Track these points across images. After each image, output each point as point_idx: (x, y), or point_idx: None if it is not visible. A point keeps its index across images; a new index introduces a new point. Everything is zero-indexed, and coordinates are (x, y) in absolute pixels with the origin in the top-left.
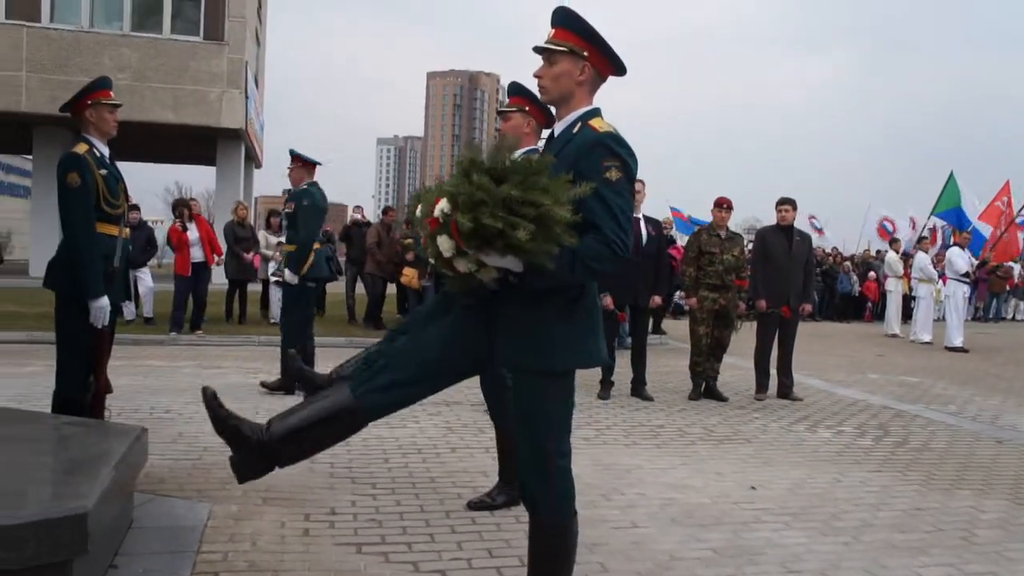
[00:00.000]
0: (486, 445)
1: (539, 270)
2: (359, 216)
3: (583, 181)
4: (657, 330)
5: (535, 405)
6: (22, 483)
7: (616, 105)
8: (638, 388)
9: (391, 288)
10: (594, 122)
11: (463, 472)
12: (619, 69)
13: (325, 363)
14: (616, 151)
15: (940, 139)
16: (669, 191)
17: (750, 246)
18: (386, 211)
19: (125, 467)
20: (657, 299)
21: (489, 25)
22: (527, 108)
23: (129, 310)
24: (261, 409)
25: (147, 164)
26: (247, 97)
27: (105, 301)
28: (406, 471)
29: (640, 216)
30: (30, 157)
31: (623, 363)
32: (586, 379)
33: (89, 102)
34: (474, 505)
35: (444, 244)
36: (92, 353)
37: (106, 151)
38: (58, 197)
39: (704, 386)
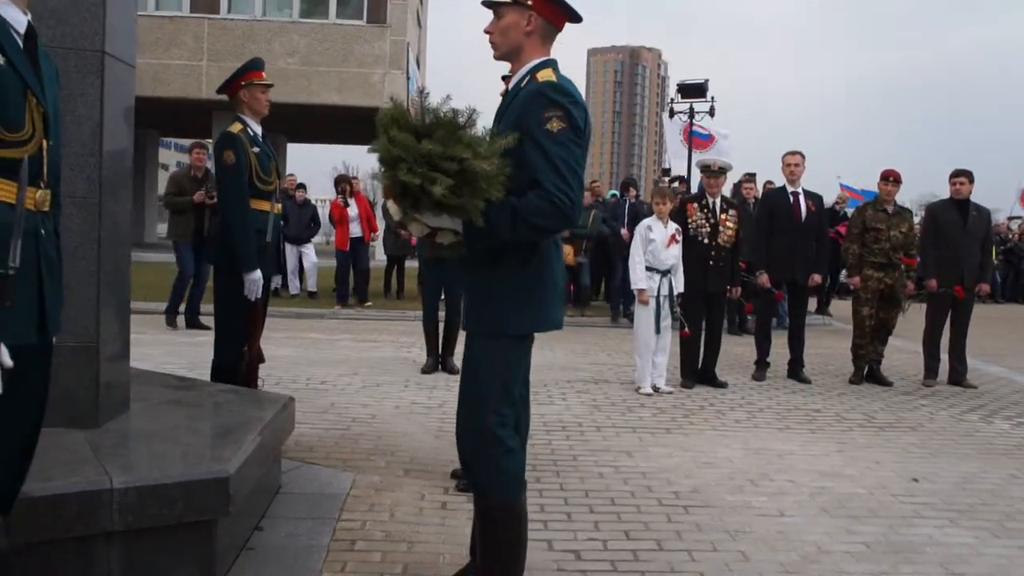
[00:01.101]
0: (633, 424)
1: (479, 229)
2: None
3: (526, 136)
4: (822, 310)
5: (479, 365)
6: (176, 446)
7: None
8: (795, 370)
9: None
10: (540, 73)
11: (606, 451)
12: (571, 16)
13: None
14: (556, 100)
15: None
16: (846, 167)
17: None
18: None
19: (271, 434)
20: (817, 278)
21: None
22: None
23: (294, 285)
24: (411, 382)
25: (316, 145)
26: (408, 78)
27: (258, 274)
28: (548, 448)
29: (799, 190)
30: (210, 140)
31: (780, 343)
32: (740, 359)
33: (243, 83)
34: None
35: (391, 208)
36: (246, 324)
37: (259, 130)
38: (215, 174)
39: (867, 370)
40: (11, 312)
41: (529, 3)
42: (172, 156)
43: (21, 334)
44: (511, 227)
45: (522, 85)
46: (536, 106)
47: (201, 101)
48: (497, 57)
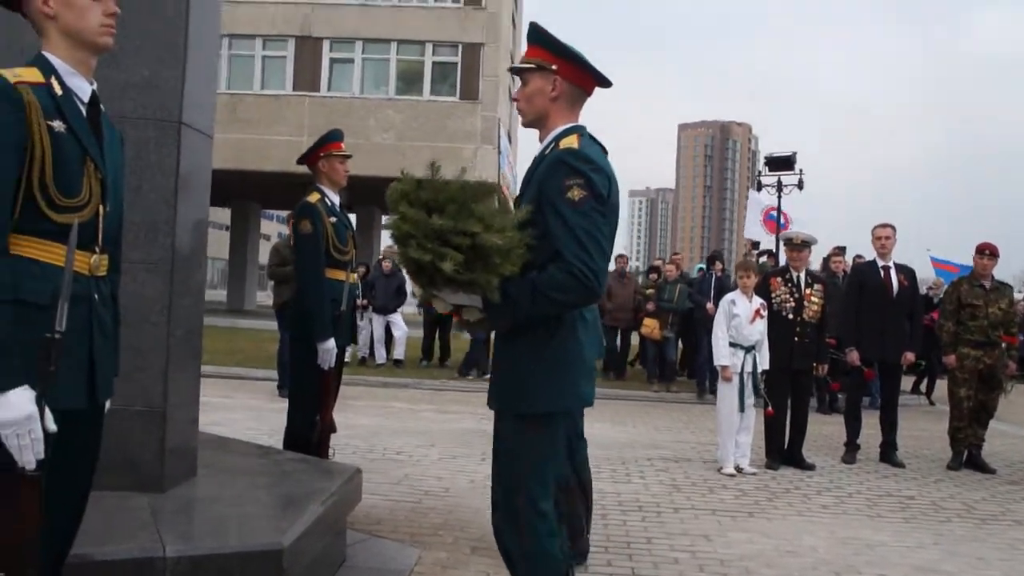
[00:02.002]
0: (713, 506)
1: (498, 305)
2: None
3: (548, 206)
4: (916, 391)
5: (509, 448)
6: (235, 515)
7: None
8: (888, 453)
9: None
10: (564, 140)
11: (683, 535)
12: (600, 80)
13: None
14: (577, 168)
15: None
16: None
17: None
18: (617, 258)
19: (334, 506)
20: (910, 356)
21: (741, 75)
22: (554, 66)
23: (380, 354)
24: (488, 456)
25: None
26: (499, 152)
27: (331, 343)
28: (623, 529)
29: (890, 264)
30: None
31: (873, 424)
32: (829, 440)
33: (322, 154)
34: None
35: (412, 286)
36: (319, 393)
37: (336, 200)
38: (293, 243)
39: (967, 455)
40: (58, 376)
41: (553, 67)
42: (274, 227)
43: (68, 399)
44: (531, 302)
45: (547, 153)
46: (557, 175)
47: (301, 175)
48: (525, 124)
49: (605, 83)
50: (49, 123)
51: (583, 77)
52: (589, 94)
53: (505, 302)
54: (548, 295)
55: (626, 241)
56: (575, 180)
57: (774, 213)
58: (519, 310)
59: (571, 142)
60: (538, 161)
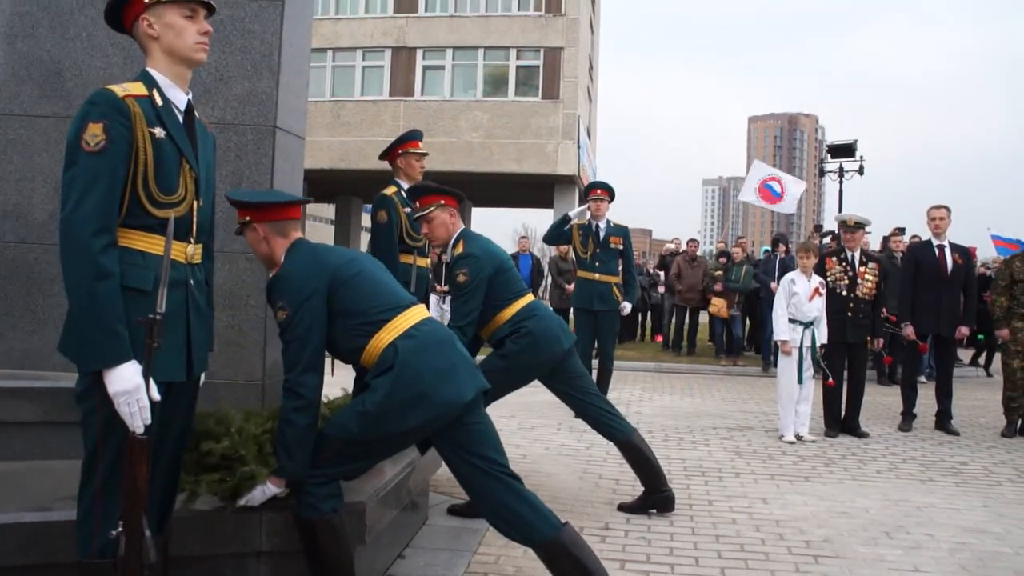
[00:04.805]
0: (772, 471)
1: (283, 469)
2: (672, 247)
3: None
4: (975, 364)
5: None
6: None
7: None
8: (943, 422)
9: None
10: (280, 267)
11: (742, 497)
12: (288, 207)
13: (633, 385)
14: (275, 291)
15: None
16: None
17: None
18: (689, 242)
19: (416, 471)
20: (963, 330)
21: (808, 69)
22: (442, 201)
23: None
24: (563, 426)
25: (497, 209)
26: (579, 147)
27: None
28: (686, 492)
29: (945, 244)
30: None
31: (928, 395)
32: (887, 410)
33: (400, 151)
34: (624, 507)
35: None
36: None
37: None
38: (370, 230)
39: (1020, 424)
40: (161, 352)
41: (248, 219)
42: None
43: (170, 372)
44: (288, 452)
45: None
46: (270, 304)
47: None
48: (267, 267)
49: (300, 203)
50: (151, 130)
51: (275, 212)
52: (296, 217)
53: (283, 463)
54: (284, 440)
55: (699, 226)
56: (277, 304)
57: (770, 183)
58: (287, 460)
59: (281, 268)
60: None
